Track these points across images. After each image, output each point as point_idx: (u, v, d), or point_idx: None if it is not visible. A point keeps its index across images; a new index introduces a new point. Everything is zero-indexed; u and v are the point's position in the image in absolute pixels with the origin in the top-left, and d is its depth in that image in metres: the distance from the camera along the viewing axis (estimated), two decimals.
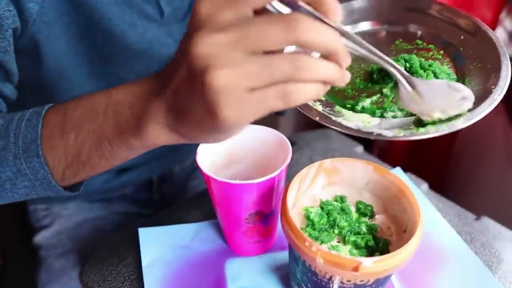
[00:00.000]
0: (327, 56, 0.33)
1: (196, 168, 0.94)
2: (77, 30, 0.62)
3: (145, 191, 0.89)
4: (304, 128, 1.66)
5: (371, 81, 0.52)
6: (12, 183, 0.47)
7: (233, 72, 0.31)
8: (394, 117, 0.47)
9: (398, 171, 0.71)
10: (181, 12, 0.71)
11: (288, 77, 0.31)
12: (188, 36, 0.33)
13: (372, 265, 0.37)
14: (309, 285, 0.44)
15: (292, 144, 0.78)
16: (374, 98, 0.50)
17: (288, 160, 0.49)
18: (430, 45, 0.55)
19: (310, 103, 0.48)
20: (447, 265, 0.57)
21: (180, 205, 0.69)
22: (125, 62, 0.68)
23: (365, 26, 0.58)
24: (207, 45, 0.31)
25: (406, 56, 0.52)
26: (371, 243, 0.44)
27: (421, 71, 0.51)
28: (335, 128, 0.45)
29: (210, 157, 0.54)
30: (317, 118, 0.45)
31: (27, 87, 0.66)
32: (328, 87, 0.34)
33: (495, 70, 0.47)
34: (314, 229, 0.45)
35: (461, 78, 0.50)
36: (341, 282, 0.40)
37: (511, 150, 1.05)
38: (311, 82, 0.32)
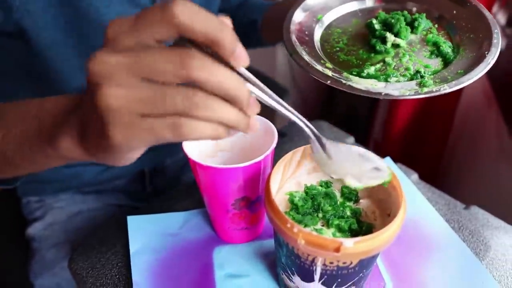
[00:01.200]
0: (228, 100, 0.32)
1: (187, 161, 0.94)
2: (65, 22, 0.62)
3: (137, 183, 0.89)
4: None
5: (374, 51, 0.56)
6: None
7: (123, 94, 0.31)
8: (397, 81, 0.52)
9: (387, 161, 0.71)
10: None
11: (181, 111, 0.31)
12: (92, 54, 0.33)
13: (353, 245, 0.37)
14: (293, 269, 0.44)
15: (283, 135, 0.78)
16: (378, 66, 0.54)
17: (274, 145, 0.49)
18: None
19: (320, 68, 0.52)
20: (435, 252, 0.57)
21: (170, 195, 0.70)
22: None
23: (370, 3, 0.64)
24: (102, 64, 0.31)
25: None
26: (355, 226, 0.44)
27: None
28: (346, 90, 0.49)
29: (197, 146, 0.54)
30: (328, 82, 0.49)
31: (21, 79, 0.66)
32: (233, 131, 0.34)
33: (486, 38, 0.52)
34: (298, 213, 0.45)
35: (455, 47, 0.55)
36: (324, 265, 0.40)
37: (502, 142, 1.05)
38: (207, 121, 0.32)
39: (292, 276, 0.45)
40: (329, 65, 0.54)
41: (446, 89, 0.48)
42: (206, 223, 0.61)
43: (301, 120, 0.39)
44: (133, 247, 0.57)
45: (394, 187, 0.44)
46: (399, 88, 0.49)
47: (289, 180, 0.49)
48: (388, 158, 0.72)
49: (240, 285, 0.52)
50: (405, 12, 0.59)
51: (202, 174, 0.49)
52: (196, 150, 0.54)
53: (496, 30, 0.53)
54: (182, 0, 0.31)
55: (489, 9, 1.11)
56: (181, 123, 0.31)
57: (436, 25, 0.59)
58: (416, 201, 0.65)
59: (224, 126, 0.33)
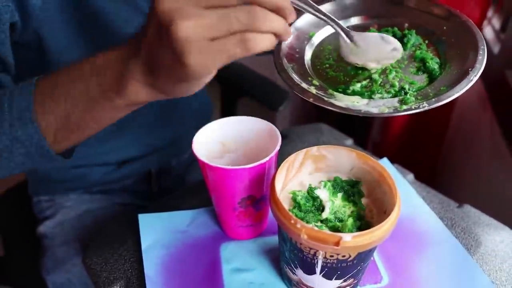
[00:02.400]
0: (275, 11, 0.38)
1: (193, 162, 0.98)
2: (77, 26, 0.65)
3: (144, 183, 0.93)
4: (300, 123, 1.70)
5: (361, 68, 0.57)
6: (9, 151, 0.50)
7: (195, 23, 0.36)
8: (381, 98, 0.52)
9: (384, 162, 0.74)
10: None
11: (245, 26, 0.37)
12: None
13: (351, 239, 0.41)
14: (296, 262, 0.48)
15: (285, 137, 0.82)
16: (364, 82, 0.54)
17: (277, 148, 0.53)
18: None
19: (305, 86, 0.54)
20: (428, 248, 0.60)
21: (178, 194, 0.73)
22: None
23: (356, 20, 0.63)
24: (171, 2, 0.36)
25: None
26: (353, 228, 0.48)
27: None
28: (327, 107, 0.50)
29: (205, 148, 0.58)
30: (311, 99, 0.50)
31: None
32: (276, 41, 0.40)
33: (472, 54, 0.53)
34: (300, 211, 0.49)
35: (443, 63, 0.56)
36: (325, 258, 0.44)
37: (495, 144, 1.09)
38: (265, 32, 0.38)
39: (295, 269, 0.49)
40: (315, 82, 0.55)
41: (425, 106, 0.48)
42: (213, 220, 0.65)
43: (332, 20, 0.50)
44: (144, 243, 0.61)
45: (390, 187, 0.47)
46: (380, 105, 0.50)
47: (292, 180, 0.53)
48: (385, 159, 0.75)
49: (246, 279, 0.56)
50: (395, 29, 0.60)
51: (211, 175, 0.53)
52: (205, 152, 0.57)
53: (482, 47, 0.53)
54: None
55: (484, 15, 1.15)
56: (247, 37, 0.37)
57: (427, 41, 0.59)
58: (411, 200, 0.68)
59: (275, 36, 0.39)
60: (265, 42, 0.38)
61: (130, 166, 0.88)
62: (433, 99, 0.49)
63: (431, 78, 0.54)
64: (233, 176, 0.51)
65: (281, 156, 0.52)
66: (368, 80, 0.55)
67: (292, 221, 0.42)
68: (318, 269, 0.46)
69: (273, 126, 0.57)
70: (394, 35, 0.59)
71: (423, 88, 0.53)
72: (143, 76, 0.43)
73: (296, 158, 0.51)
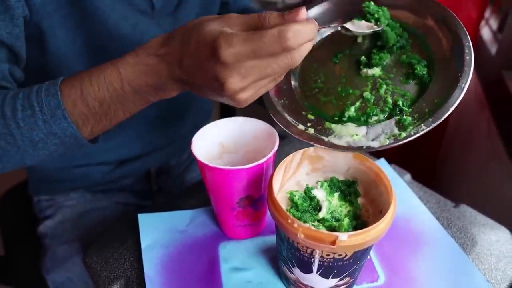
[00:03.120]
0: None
1: (191, 162, 0.98)
2: (74, 21, 0.66)
3: (144, 183, 0.93)
4: None
5: (351, 83, 0.57)
6: (44, 142, 0.55)
7: (242, 79, 0.45)
8: (377, 121, 0.53)
9: (382, 162, 0.75)
10: (170, 5, 0.76)
11: (278, 72, 0.46)
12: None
13: (347, 239, 0.41)
14: (293, 261, 0.48)
15: (283, 138, 0.83)
16: (357, 104, 0.55)
17: (275, 149, 0.53)
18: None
19: (302, 127, 0.54)
20: (425, 247, 0.61)
21: (177, 194, 0.74)
22: (119, 52, 0.73)
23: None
24: (231, 56, 0.43)
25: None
26: (349, 227, 0.49)
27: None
28: (330, 148, 0.52)
29: (204, 148, 0.58)
30: (312, 142, 0.52)
31: (32, 73, 0.70)
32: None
33: (459, 54, 0.51)
34: (297, 211, 0.49)
35: (431, 66, 0.54)
36: (321, 257, 0.45)
37: (492, 144, 1.09)
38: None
39: (292, 268, 0.50)
40: (310, 116, 0.56)
41: (424, 129, 0.49)
42: (212, 220, 0.65)
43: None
44: (144, 242, 0.62)
45: (386, 187, 0.48)
46: (379, 133, 0.51)
47: (289, 180, 0.53)
48: (382, 159, 0.76)
49: (244, 278, 0.56)
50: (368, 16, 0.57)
51: (210, 175, 0.54)
52: (204, 152, 0.58)
53: (467, 44, 0.52)
54: (291, 26, 0.42)
55: (481, 15, 1.15)
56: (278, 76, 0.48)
57: (411, 41, 0.57)
58: (408, 200, 0.69)
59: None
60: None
61: (130, 165, 0.88)
62: (430, 119, 0.49)
63: (422, 83, 0.54)
64: (231, 176, 0.52)
65: (279, 157, 0.53)
66: (360, 101, 0.55)
67: (289, 221, 0.43)
68: (315, 268, 0.47)
69: (271, 127, 0.57)
70: (370, 16, 0.56)
71: (416, 101, 0.53)
72: (181, 84, 0.51)
73: (293, 158, 0.52)
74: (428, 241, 0.62)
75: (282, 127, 0.55)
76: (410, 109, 0.52)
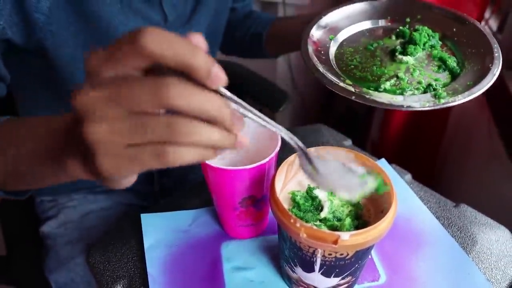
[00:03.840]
0: (211, 122, 0.33)
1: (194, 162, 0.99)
2: (84, 39, 0.66)
3: (146, 184, 0.94)
4: (300, 124, 1.71)
5: (385, 66, 0.63)
6: None
7: (105, 127, 0.32)
8: (413, 94, 0.57)
9: (382, 162, 0.75)
10: (184, 17, 0.76)
11: (164, 139, 0.31)
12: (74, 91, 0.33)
13: (349, 238, 0.42)
14: (296, 260, 0.49)
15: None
16: (392, 81, 0.59)
17: (277, 149, 0.54)
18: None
19: (342, 84, 0.56)
20: (425, 247, 0.62)
21: (179, 194, 0.74)
22: None
23: (382, 23, 0.71)
24: (83, 99, 0.31)
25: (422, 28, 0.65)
26: (351, 227, 0.49)
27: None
28: (370, 104, 0.53)
29: None
30: (353, 97, 0.52)
31: (40, 93, 0.70)
32: (221, 150, 0.35)
33: (488, 52, 0.59)
34: (299, 210, 0.50)
35: (460, 62, 0.61)
36: (323, 256, 0.45)
37: (492, 144, 1.10)
38: (191, 146, 0.32)
39: (294, 267, 0.50)
40: (348, 81, 0.58)
41: (461, 99, 0.52)
42: (214, 220, 0.66)
43: (287, 135, 0.40)
44: (147, 242, 0.62)
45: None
46: (417, 101, 0.54)
47: (291, 180, 0.54)
48: (383, 160, 0.76)
49: (246, 277, 0.57)
50: (405, 28, 0.66)
51: (212, 175, 0.54)
52: None
53: (495, 45, 0.59)
54: (150, 29, 0.31)
55: (481, 15, 1.16)
56: (165, 150, 0.32)
57: (440, 42, 0.65)
58: (408, 199, 0.69)
59: (210, 147, 0.33)
60: (190, 156, 0.32)
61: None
62: (465, 93, 0.53)
63: (453, 75, 0.59)
64: (233, 176, 0.52)
65: (281, 157, 0.54)
66: (395, 79, 0.59)
67: (292, 221, 0.44)
68: (317, 267, 0.47)
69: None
70: (403, 34, 0.66)
71: (448, 84, 0.57)
72: (80, 159, 0.38)
73: (295, 159, 0.52)
74: (429, 240, 0.63)
75: (325, 84, 0.57)
76: (444, 88, 0.56)
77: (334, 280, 0.49)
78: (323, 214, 0.50)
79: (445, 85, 0.57)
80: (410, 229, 0.64)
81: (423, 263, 0.59)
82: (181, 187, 0.96)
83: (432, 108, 0.52)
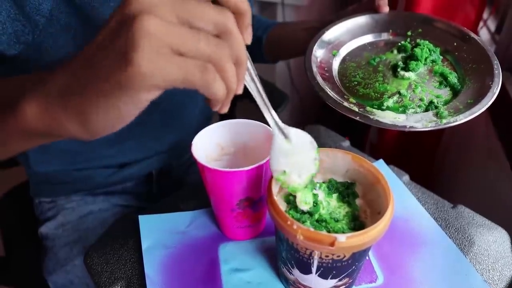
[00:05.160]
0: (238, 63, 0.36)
1: (192, 164, 0.99)
2: (85, 41, 0.65)
3: (145, 185, 0.94)
4: (298, 125, 1.71)
5: (388, 82, 0.64)
6: None
7: (163, 24, 0.31)
8: (415, 112, 0.58)
9: (380, 163, 0.75)
10: None
11: (211, 58, 0.33)
12: None
13: (346, 240, 0.42)
14: (293, 262, 0.49)
15: None
16: (395, 98, 0.60)
17: None
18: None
19: (346, 104, 0.57)
20: (423, 248, 0.62)
21: (178, 195, 0.74)
22: None
23: (385, 36, 0.72)
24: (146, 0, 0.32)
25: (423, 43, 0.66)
26: (346, 229, 0.49)
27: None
28: (374, 124, 0.54)
29: (204, 150, 0.59)
30: (357, 118, 0.53)
31: None
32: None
33: (488, 69, 0.59)
34: (296, 212, 0.50)
35: (461, 77, 0.62)
36: (320, 258, 0.45)
37: (491, 145, 1.10)
38: (225, 75, 0.35)
39: (291, 269, 0.50)
40: (352, 100, 0.59)
41: (462, 119, 0.53)
42: (212, 221, 0.66)
43: (267, 108, 0.46)
44: (145, 243, 0.62)
45: (384, 189, 0.48)
46: (419, 120, 0.55)
47: None
48: (381, 161, 0.76)
49: (244, 278, 0.57)
50: (406, 42, 0.67)
51: (209, 177, 0.54)
52: (204, 155, 0.59)
53: (496, 61, 0.60)
54: None
55: (480, 16, 1.16)
56: (209, 68, 0.33)
57: (441, 57, 0.65)
58: (406, 200, 0.69)
59: (227, 90, 0.36)
60: (220, 87, 0.34)
61: (132, 169, 0.89)
62: (466, 112, 0.53)
63: (454, 91, 0.60)
64: (231, 178, 0.52)
65: None
66: (397, 96, 0.60)
67: (289, 222, 0.44)
68: (314, 269, 0.47)
69: (270, 129, 0.58)
70: (405, 49, 0.67)
71: (450, 101, 0.58)
72: (53, 98, 0.36)
73: None
74: (426, 241, 0.63)
75: (330, 104, 0.57)
76: (445, 107, 0.57)
77: (331, 282, 0.49)
78: (304, 207, 0.50)
79: (446, 102, 0.58)
80: (408, 230, 0.64)
81: (420, 265, 0.59)
82: (180, 188, 0.96)
83: (434, 128, 0.53)
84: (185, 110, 0.87)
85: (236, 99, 1.19)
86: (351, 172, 0.54)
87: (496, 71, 0.58)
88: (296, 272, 0.50)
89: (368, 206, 0.52)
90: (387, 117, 0.56)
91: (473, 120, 0.58)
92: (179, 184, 0.97)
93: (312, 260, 0.46)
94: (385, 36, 0.71)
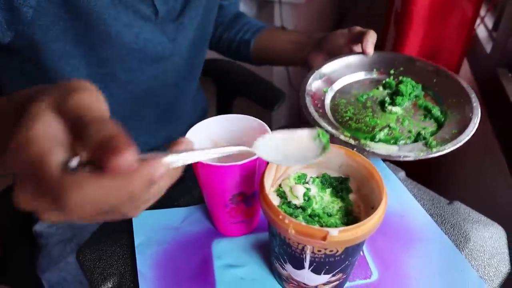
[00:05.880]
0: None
1: None
2: (75, 34, 0.65)
3: None
4: (295, 123, 1.71)
5: (377, 116, 0.69)
6: None
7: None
8: (405, 143, 0.63)
9: (376, 159, 0.75)
10: (174, 11, 0.76)
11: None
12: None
13: (338, 234, 0.41)
14: (285, 257, 0.48)
15: None
16: (385, 131, 0.65)
17: None
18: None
19: (342, 137, 0.61)
20: (418, 244, 0.61)
21: (172, 191, 0.73)
22: (121, 62, 0.72)
23: (374, 74, 0.77)
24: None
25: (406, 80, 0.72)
26: (339, 223, 0.49)
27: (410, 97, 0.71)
28: (371, 156, 0.58)
29: (197, 145, 0.58)
30: (354, 149, 0.55)
31: (28, 86, 0.69)
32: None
33: (467, 102, 0.65)
34: (289, 207, 0.49)
35: (443, 110, 0.67)
36: (313, 253, 0.45)
37: (487, 141, 1.09)
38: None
39: (284, 264, 0.50)
40: (346, 133, 0.62)
41: (450, 147, 0.58)
42: (205, 217, 0.65)
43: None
44: (137, 239, 0.62)
45: (377, 184, 0.48)
46: (411, 150, 0.59)
47: (282, 176, 0.53)
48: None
49: (237, 274, 0.56)
50: (390, 79, 0.74)
51: (202, 172, 0.54)
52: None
53: (473, 95, 0.66)
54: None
55: (477, 13, 1.15)
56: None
57: (423, 92, 0.71)
58: (402, 196, 0.69)
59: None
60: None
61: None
62: (453, 141, 0.59)
63: (438, 123, 0.66)
64: (223, 173, 0.52)
65: None
66: (388, 128, 0.66)
67: (280, 217, 0.43)
68: (306, 264, 0.47)
69: (264, 124, 0.57)
70: (390, 85, 0.73)
71: (436, 132, 0.64)
72: None
73: None
74: (422, 237, 0.62)
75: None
76: (433, 137, 0.62)
77: (325, 277, 0.49)
78: (296, 201, 0.49)
79: (432, 133, 0.64)
80: (403, 226, 0.64)
81: (415, 261, 0.59)
82: (175, 184, 0.95)
83: (426, 157, 0.58)
84: (177, 104, 0.87)
85: (234, 96, 1.19)
86: (344, 166, 0.53)
87: (475, 104, 0.64)
88: (289, 267, 0.49)
89: (362, 201, 0.51)
90: (382, 149, 0.60)
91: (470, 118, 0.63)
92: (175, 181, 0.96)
93: (304, 255, 0.46)
94: (370, 74, 0.77)
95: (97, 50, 0.68)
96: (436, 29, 1.19)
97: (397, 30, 1.25)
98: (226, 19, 0.99)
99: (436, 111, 0.66)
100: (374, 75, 0.77)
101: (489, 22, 1.31)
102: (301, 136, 0.46)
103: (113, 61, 0.71)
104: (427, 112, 0.68)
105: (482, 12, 1.29)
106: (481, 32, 1.30)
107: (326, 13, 2.12)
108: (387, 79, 0.74)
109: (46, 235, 0.86)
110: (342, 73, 0.75)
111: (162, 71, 0.79)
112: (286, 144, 0.45)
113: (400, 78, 0.73)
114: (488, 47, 1.20)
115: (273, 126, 0.67)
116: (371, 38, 0.74)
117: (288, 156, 0.44)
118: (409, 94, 0.70)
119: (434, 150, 0.58)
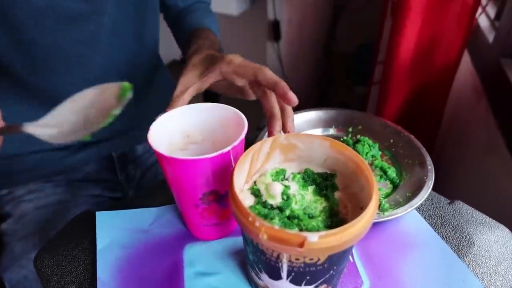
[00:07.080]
0: None
1: None
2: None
3: (108, 171, 0.88)
4: None
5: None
6: None
7: None
8: None
9: None
10: None
11: None
12: None
13: (318, 240, 0.35)
14: (260, 266, 0.42)
15: (263, 128, 0.76)
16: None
17: (242, 136, 0.47)
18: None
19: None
20: (414, 249, 0.55)
21: (147, 189, 0.67)
22: (35, 23, 0.68)
23: (332, 131, 0.76)
24: None
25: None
26: (321, 226, 0.42)
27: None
28: None
29: (167, 138, 0.52)
30: None
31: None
32: None
33: (422, 163, 0.64)
34: (264, 207, 0.43)
35: (399, 171, 0.66)
36: (290, 261, 0.38)
37: (491, 136, 1.03)
38: None
39: (260, 273, 0.43)
40: None
41: (402, 212, 0.56)
42: (179, 219, 0.59)
43: None
44: (100, 243, 0.55)
45: (367, 180, 0.41)
46: None
47: (258, 172, 0.47)
48: None
49: (210, 283, 0.50)
50: (348, 138, 0.73)
51: (168, 167, 0.47)
52: (167, 142, 0.52)
53: (428, 157, 0.64)
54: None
55: (478, 2, 1.09)
56: None
57: (380, 152, 0.70)
58: None
59: None
60: None
61: (89, 150, 0.84)
62: (406, 205, 0.57)
63: (393, 184, 0.64)
64: (192, 168, 0.45)
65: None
66: None
67: (250, 219, 0.36)
68: (284, 274, 0.40)
69: (240, 113, 0.51)
70: (347, 144, 0.71)
71: (390, 194, 0.62)
72: None
73: (262, 147, 0.45)
74: (418, 243, 0.56)
75: None
76: (386, 199, 0.60)
77: None
78: (272, 201, 0.43)
79: (387, 195, 0.61)
80: (397, 230, 0.57)
81: (411, 269, 0.52)
82: (150, 178, 0.89)
83: (377, 220, 0.55)
84: (143, 82, 0.80)
85: None
86: (330, 160, 0.46)
87: (429, 167, 0.63)
88: (264, 277, 0.43)
89: (349, 200, 0.44)
90: None
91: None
92: (150, 173, 0.90)
93: (280, 264, 0.39)
94: (328, 131, 0.75)
95: (9, 16, 0.65)
96: (435, 18, 1.12)
97: (394, 20, 1.19)
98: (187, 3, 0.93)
99: (392, 173, 0.65)
100: (332, 131, 0.75)
101: (491, 11, 1.24)
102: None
103: (28, 25, 0.67)
104: (383, 173, 0.66)
105: (484, 1, 1.23)
106: (483, 21, 1.23)
107: (321, 7, 2.05)
108: (345, 137, 0.73)
109: (10, 233, 0.80)
110: (300, 129, 0.74)
111: (88, 34, 0.73)
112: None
113: (358, 136, 0.72)
114: (490, 37, 1.14)
115: (262, 118, 0.62)
116: (289, 117, 0.58)
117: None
118: (366, 154, 0.68)
119: (386, 213, 0.56)
